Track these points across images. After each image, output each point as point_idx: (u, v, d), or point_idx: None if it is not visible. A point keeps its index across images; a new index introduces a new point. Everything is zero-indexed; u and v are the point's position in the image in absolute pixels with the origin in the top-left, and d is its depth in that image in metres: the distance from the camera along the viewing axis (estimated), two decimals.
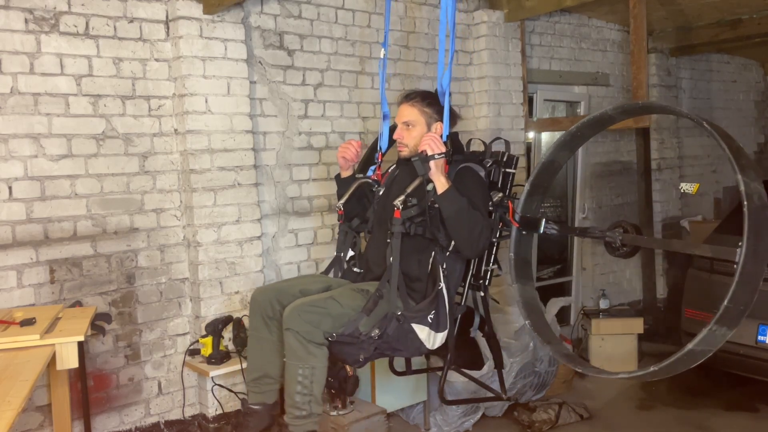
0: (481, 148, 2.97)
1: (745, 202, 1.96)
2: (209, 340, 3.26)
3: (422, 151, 2.53)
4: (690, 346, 2.01)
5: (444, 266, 2.61)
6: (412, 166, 2.56)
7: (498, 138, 3.02)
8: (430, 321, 2.57)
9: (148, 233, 3.32)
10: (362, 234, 3.02)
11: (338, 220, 2.94)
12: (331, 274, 2.98)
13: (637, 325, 4.85)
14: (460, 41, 4.50)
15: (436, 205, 2.57)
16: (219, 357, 3.25)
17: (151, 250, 3.33)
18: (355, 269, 2.94)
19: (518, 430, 3.85)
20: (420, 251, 2.66)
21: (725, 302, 1.95)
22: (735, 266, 1.97)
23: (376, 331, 2.49)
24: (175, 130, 3.38)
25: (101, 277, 3.18)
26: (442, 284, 2.59)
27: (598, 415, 4.09)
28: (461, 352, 3.76)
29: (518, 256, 2.79)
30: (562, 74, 5.15)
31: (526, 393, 4.07)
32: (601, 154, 5.53)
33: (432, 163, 2.50)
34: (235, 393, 3.38)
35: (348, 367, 3.19)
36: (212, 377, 3.27)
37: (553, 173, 2.80)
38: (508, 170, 2.85)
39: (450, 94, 2.69)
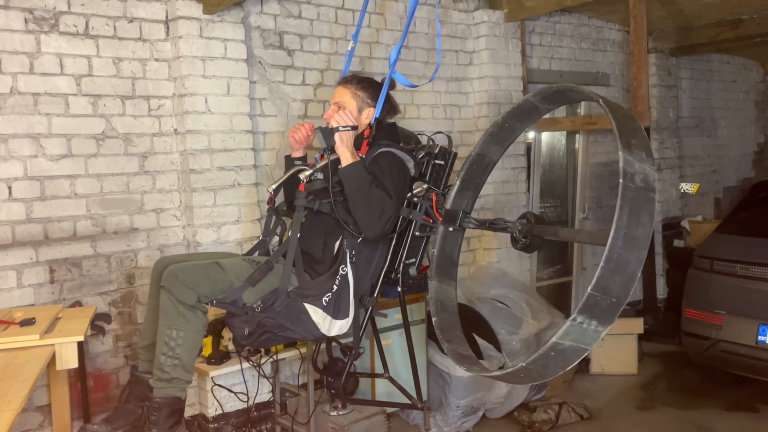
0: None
1: (621, 180, 1.76)
2: (209, 340, 3.26)
3: (329, 125, 2.52)
4: (554, 339, 1.80)
5: (353, 252, 2.52)
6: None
7: (440, 132, 3.00)
8: (324, 303, 2.46)
9: (147, 233, 3.32)
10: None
11: (267, 203, 2.86)
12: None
13: (637, 325, 4.85)
14: (460, 41, 4.51)
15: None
16: (219, 357, 3.25)
17: (151, 250, 3.33)
18: None
19: (518, 430, 3.85)
20: (328, 233, 2.59)
21: (589, 289, 1.74)
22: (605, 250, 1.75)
23: (259, 304, 2.40)
24: (175, 130, 3.37)
25: (101, 277, 3.18)
26: (348, 269, 2.50)
27: (598, 415, 4.09)
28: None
29: (442, 253, 2.61)
30: (562, 74, 5.14)
31: (527, 393, 4.07)
32: (601, 154, 5.53)
33: (337, 136, 2.48)
34: (235, 393, 3.38)
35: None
36: (212, 377, 3.27)
37: (484, 169, 2.63)
38: (437, 162, 2.77)
39: (435, 79, 2.72)
